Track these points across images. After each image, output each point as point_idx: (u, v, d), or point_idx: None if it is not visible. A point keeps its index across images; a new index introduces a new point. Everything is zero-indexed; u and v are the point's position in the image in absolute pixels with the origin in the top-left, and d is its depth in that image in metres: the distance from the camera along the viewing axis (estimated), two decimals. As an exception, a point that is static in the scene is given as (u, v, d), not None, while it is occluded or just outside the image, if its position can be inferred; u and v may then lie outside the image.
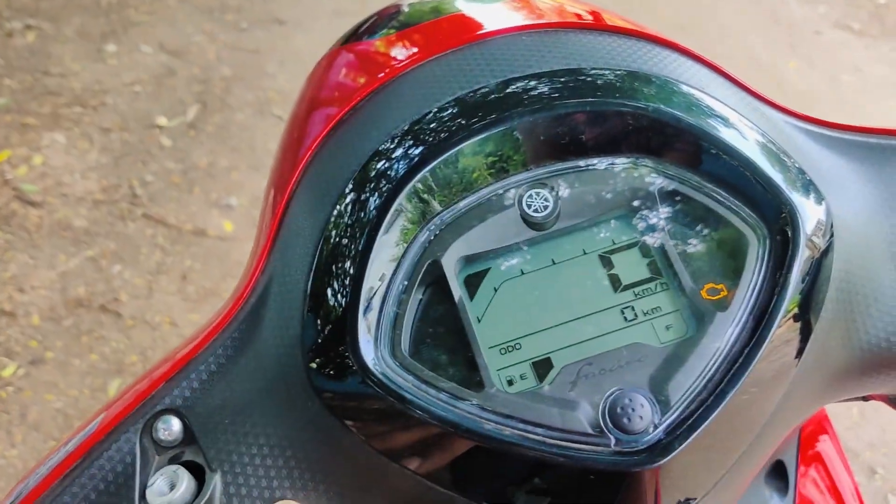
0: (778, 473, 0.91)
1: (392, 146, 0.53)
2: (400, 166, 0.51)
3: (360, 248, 0.50)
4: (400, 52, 0.63)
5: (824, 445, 0.96)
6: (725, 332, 0.48)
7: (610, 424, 0.45)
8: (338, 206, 0.53)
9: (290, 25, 3.29)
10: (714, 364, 0.47)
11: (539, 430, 0.46)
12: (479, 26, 0.61)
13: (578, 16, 0.64)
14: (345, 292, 0.49)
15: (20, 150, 2.63)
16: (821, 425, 0.98)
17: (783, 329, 0.48)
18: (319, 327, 0.50)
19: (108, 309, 2.27)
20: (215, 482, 0.48)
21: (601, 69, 0.55)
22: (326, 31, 3.22)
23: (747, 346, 0.47)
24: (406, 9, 0.72)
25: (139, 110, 2.84)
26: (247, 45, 3.15)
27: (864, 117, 3.23)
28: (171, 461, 0.50)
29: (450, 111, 0.54)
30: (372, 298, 0.49)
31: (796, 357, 0.50)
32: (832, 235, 0.52)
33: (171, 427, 0.50)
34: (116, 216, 2.51)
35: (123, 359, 2.17)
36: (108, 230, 2.47)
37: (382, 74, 0.59)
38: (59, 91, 2.85)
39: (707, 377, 0.47)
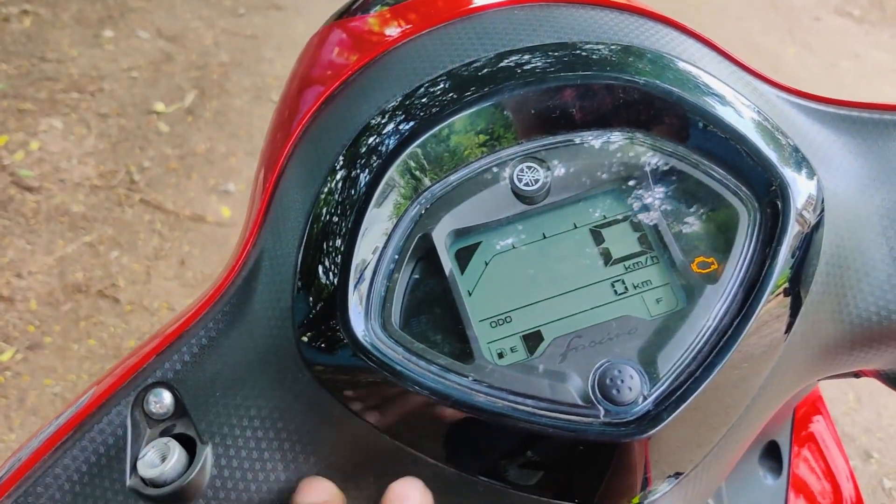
0: (772, 454, 0.91)
1: (382, 120, 0.53)
2: (390, 140, 0.51)
3: (350, 222, 0.50)
4: (391, 28, 0.63)
5: (818, 426, 0.96)
6: (715, 305, 0.48)
7: (599, 396, 0.46)
8: (328, 180, 0.53)
9: (288, 11, 3.28)
10: (703, 337, 0.47)
11: (529, 402, 0.46)
12: (470, 1, 0.61)
13: None
14: (335, 265, 0.49)
15: (17, 136, 2.63)
16: (814, 406, 0.98)
17: (773, 303, 0.48)
18: (310, 300, 0.50)
19: (106, 294, 2.27)
20: (206, 454, 0.48)
21: (593, 43, 0.55)
22: (324, 16, 3.18)
23: (736, 318, 0.47)
24: None
25: (136, 96, 2.83)
26: (244, 31, 3.14)
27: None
28: (163, 434, 0.50)
29: (440, 85, 0.54)
30: (363, 271, 0.49)
31: (785, 331, 0.50)
32: (823, 210, 0.52)
33: (163, 400, 0.50)
34: (114, 202, 2.51)
35: (121, 344, 2.17)
36: (106, 216, 2.47)
37: (373, 49, 0.59)
38: (57, 76, 2.85)
39: (696, 350, 0.47)
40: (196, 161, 2.66)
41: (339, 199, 0.51)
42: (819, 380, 0.60)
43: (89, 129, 2.70)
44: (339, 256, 0.49)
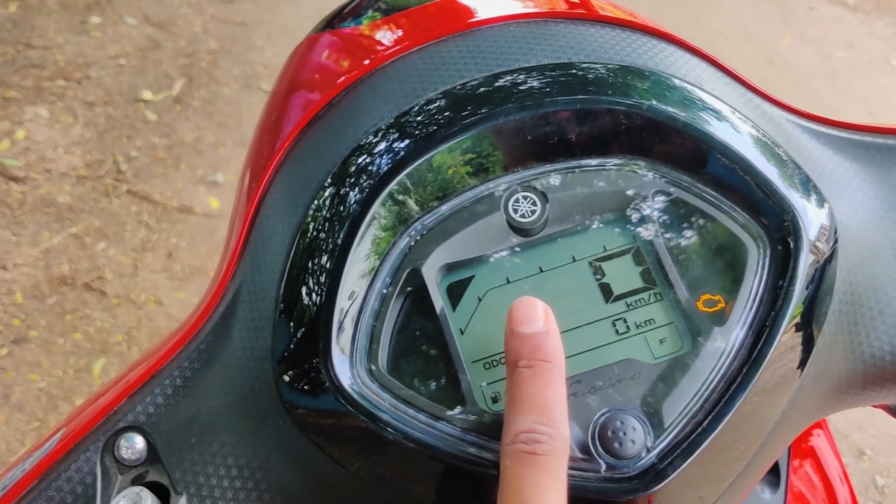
0: (770, 468, 0.89)
1: (369, 146, 0.50)
2: (377, 168, 0.49)
3: (334, 255, 0.47)
4: (382, 41, 0.60)
5: (818, 441, 0.95)
6: (723, 348, 0.45)
7: (600, 448, 0.43)
8: (311, 210, 0.50)
9: (278, -3, 3.23)
10: (711, 382, 0.45)
11: None
12: (465, 14, 0.58)
13: (569, 4, 0.60)
14: (318, 302, 0.46)
15: (2, 125, 2.58)
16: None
17: (784, 343, 0.46)
18: (291, 339, 0.47)
19: (93, 287, 2.24)
20: None
21: (592, 63, 0.53)
22: (315, 3, 3.17)
23: (746, 363, 0.45)
24: None
25: (124, 84, 2.79)
26: (234, 18, 3.10)
27: (856, 93, 3.20)
28: (135, 481, 0.47)
29: (431, 108, 0.51)
30: (347, 309, 0.46)
31: (797, 371, 0.48)
32: (836, 241, 0.49)
33: (135, 445, 0.47)
34: (101, 192, 2.47)
35: (108, 338, 2.14)
36: (93, 207, 2.43)
37: (366, 63, 0.56)
38: (42, 64, 2.80)
39: (703, 397, 0.44)
40: (184, 151, 2.62)
41: (323, 231, 0.48)
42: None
43: (76, 118, 2.66)
44: (323, 293, 0.46)
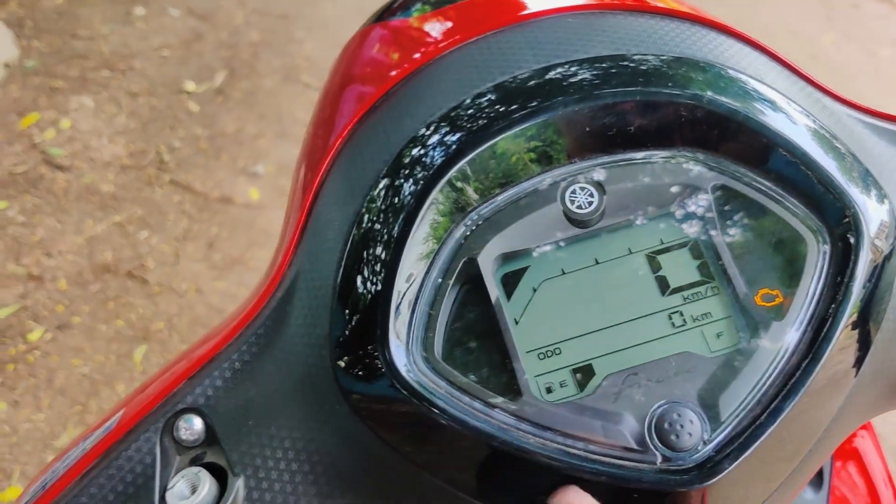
0: (813, 469, 0.89)
1: (427, 136, 0.50)
2: (434, 158, 0.49)
3: (392, 244, 0.47)
4: (436, 33, 0.60)
5: (863, 442, 0.94)
6: (780, 343, 0.45)
7: (656, 440, 0.43)
8: (368, 199, 0.50)
9: (319, -10, 3.25)
10: (768, 377, 0.44)
11: (579, 444, 0.43)
12: (521, 6, 0.57)
13: None
14: (375, 290, 0.47)
15: (48, 114, 2.63)
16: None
17: (842, 340, 0.45)
18: (348, 325, 0.47)
19: (135, 275, 2.27)
20: (238, 487, 0.46)
21: (652, 55, 0.52)
22: (356, -4, 3.18)
23: (804, 358, 0.44)
24: None
25: (167, 75, 2.82)
26: (275, 11, 3.12)
27: (903, 92, 3.15)
28: (193, 462, 0.48)
29: (489, 98, 0.51)
30: (404, 297, 0.46)
31: (855, 369, 0.47)
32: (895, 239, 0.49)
33: (193, 426, 0.48)
34: (144, 181, 2.50)
35: (149, 325, 2.17)
36: (136, 195, 2.46)
37: (418, 56, 0.56)
38: (87, 54, 2.84)
39: (760, 391, 0.44)
40: (225, 142, 2.65)
41: (380, 220, 0.48)
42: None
43: (120, 108, 2.69)
44: (380, 281, 0.47)
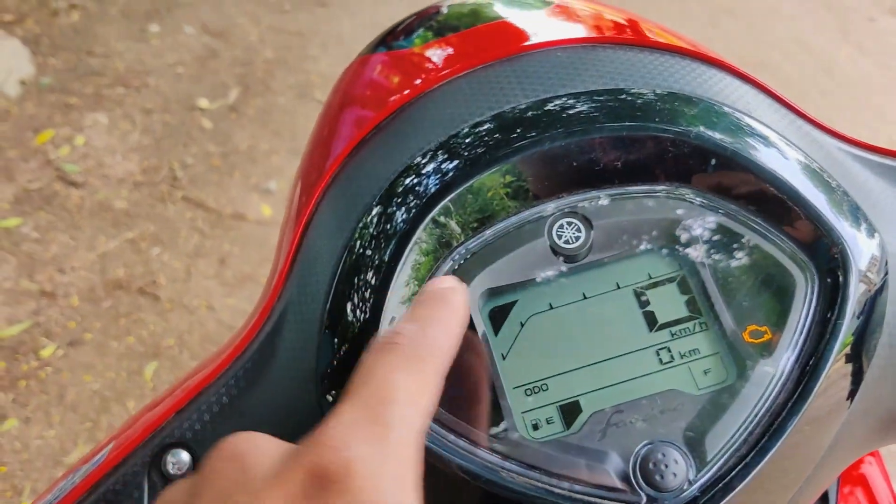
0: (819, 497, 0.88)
1: (415, 169, 0.50)
2: (422, 193, 0.49)
3: (380, 278, 0.47)
4: (430, 64, 0.60)
5: (870, 469, 0.93)
6: (768, 381, 0.45)
7: (641, 480, 0.43)
8: (356, 233, 0.50)
9: (333, 8, 3.27)
10: (755, 415, 0.44)
11: (564, 484, 0.43)
12: (513, 39, 0.58)
13: (617, 29, 0.60)
14: (363, 324, 0.47)
15: (63, 130, 2.65)
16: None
17: (832, 376, 0.45)
18: (335, 361, 0.47)
19: (147, 291, 2.28)
20: None
21: (640, 89, 0.52)
22: (370, 14, 3.20)
23: (792, 396, 0.44)
24: (445, 11, 0.69)
25: (181, 92, 2.84)
26: (290, 28, 3.14)
27: (919, 109, 3.13)
28: None
29: (478, 133, 0.51)
30: None
31: (845, 404, 0.47)
32: (887, 273, 0.48)
33: (181, 461, 0.48)
34: (157, 198, 2.52)
35: (160, 342, 2.17)
36: (148, 212, 2.48)
37: (409, 90, 0.56)
38: (103, 71, 2.86)
39: (747, 430, 0.44)
40: (238, 159, 2.66)
41: (367, 254, 0.48)
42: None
43: (134, 125, 2.71)
44: (367, 316, 0.47)
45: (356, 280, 0.48)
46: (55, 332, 2.17)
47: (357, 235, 0.50)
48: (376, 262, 0.48)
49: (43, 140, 2.61)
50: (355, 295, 0.48)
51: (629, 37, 0.57)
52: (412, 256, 0.47)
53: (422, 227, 0.47)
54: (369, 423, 0.33)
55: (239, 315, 2.25)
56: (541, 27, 0.59)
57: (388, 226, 0.48)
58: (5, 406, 2.01)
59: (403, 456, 0.33)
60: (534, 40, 0.56)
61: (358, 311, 0.47)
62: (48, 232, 2.39)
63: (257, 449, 0.34)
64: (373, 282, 0.47)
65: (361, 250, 0.49)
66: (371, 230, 0.49)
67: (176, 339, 2.19)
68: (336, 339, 0.48)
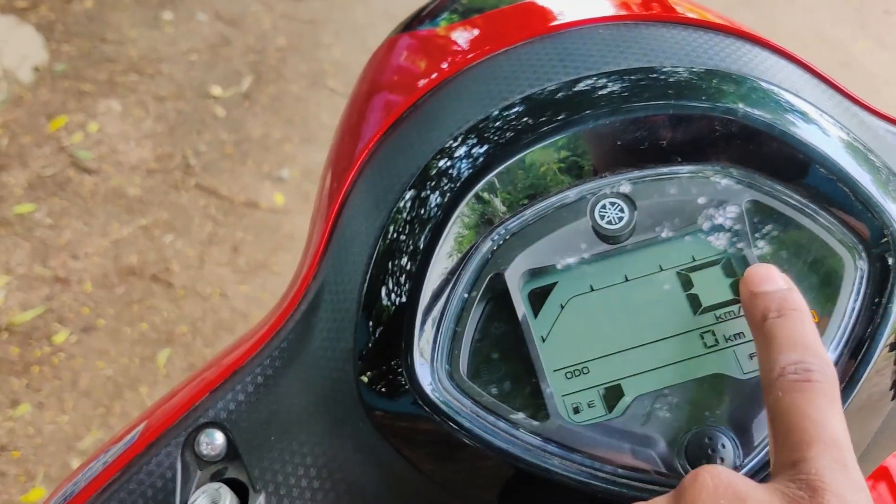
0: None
1: (454, 148, 0.50)
2: (461, 171, 0.48)
3: (418, 259, 0.46)
4: (464, 43, 0.59)
5: (892, 459, 0.92)
6: None
7: (687, 466, 0.42)
8: (395, 212, 0.49)
9: (346, -5, 3.26)
10: None
11: (607, 468, 0.42)
12: (550, 17, 0.57)
13: (658, 5, 0.59)
14: (400, 303, 0.46)
15: (77, 117, 2.65)
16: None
17: (879, 362, 0.44)
18: (372, 341, 0.47)
19: (160, 278, 2.28)
20: (259, 503, 0.46)
21: (684, 67, 0.51)
22: (383, 1, 3.18)
23: (841, 382, 0.43)
24: None
25: (194, 79, 2.83)
26: (303, 16, 3.13)
27: (936, 102, 3.11)
28: (214, 478, 0.47)
29: (517, 111, 0.50)
30: (429, 312, 0.45)
31: (891, 391, 0.46)
32: None
33: (215, 441, 0.48)
34: (170, 185, 2.51)
35: (173, 329, 2.17)
36: (162, 199, 2.47)
37: (445, 67, 0.55)
38: (116, 58, 2.86)
39: None
40: (251, 146, 2.66)
41: (406, 234, 0.48)
42: None
43: (147, 112, 2.71)
44: (405, 295, 0.46)
45: (394, 260, 0.47)
46: (68, 318, 2.17)
47: (395, 216, 0.49)
48: (415, 241, 0.47)
49: (56, 126, 2.60)
50: (393, 276, 0.47)
51: (669, 15, 0.56)
52: (454, 233, 0.46)
53: (462, 203, 0.47)
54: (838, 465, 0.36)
55: (252, 302, 2.25)
56: (576, 5, 0.58)
57: (428, 205, 0.48)
58: (19, 391, 2.01)
59: (863, 484, 0.36)
60: (571, 18, 0.55)
61: (396, 292, 0.46)
62: (61, 218, 2.39)
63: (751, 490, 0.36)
64: (411, 261, 0.47)
65: (399, 231, 0.48)
66: (409, 210, 0.48)
67: (189, 326, 2.19)
68: (373, 321, 0.47)
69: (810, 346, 0.39)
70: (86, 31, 2.94)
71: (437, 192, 0.48)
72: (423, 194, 0.48)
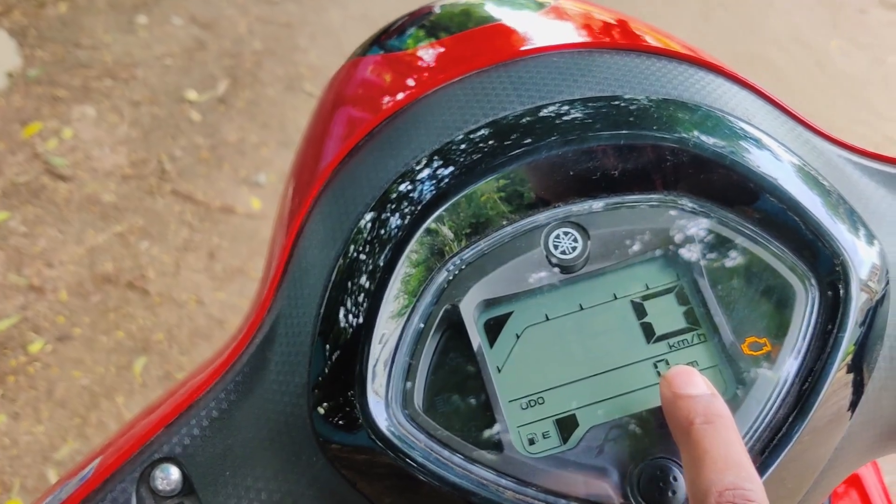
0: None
1: (408, 178, 0.50)
2: (416, 202, 0.48)
3: (372, 290, 0.47)
4: (423, 70, 0.59)
5: (864, 469, 0.93)
6: (769, 394, 0.44)
7: (640, 498, 0.42)
8: (349, 243, 0.50)
9: (322, -1, 3.25)
10: (756, 429, 0.44)
11: (561, 501, 0.43)
12: (508, 44, 0.57)
13: (612, 33, 0.59)
14: (354, 338, 0.46)
15: (51, 123, 2.63)
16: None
17: (832, 389, 0.44)
18: (326, 375, 0.47)
19: (136, 286, 2.27)
20: None
21: (636, 96, 0.51)
22: (359, 5, 3.17)
23: (792, 410, 0.44)
24: (437, 11, 0.68)
25: (169, 84, 2.82)
26: (279, 19, 3.11)
27: (909, 101, 3.13)
28: None
29: (471, 141, 0.50)
30: (383, 345, 0.45)
31: (846, 415, 0.46)
32: (888, 283, 0.48)
33: (170, 476, 0.47)
34: (145, 191, 2.50)
35: (149, 337, 2.16)
36: (137, 206, 2.46)
37: (402, 96, 0.55)
38: (90, 63, 2.84)
39: (748, 444, 0.43)
40: (227, 151, 2.64)
41: (359, 266, 0.48)
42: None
43: (122, 117, 2.69)
44: (360, 329, 0.46)
45: (348, 292, 0.48)
46: (43, 327, 2.15)
47: (349, 246, 0.49)
48: (369, 273, 0.47)
49: (30, 133, 2.58)
50: (347, 307, 0.47)
51: (625, 42, 0.56)
52: (406, 268, 0.46)
53: (414, 238, 0.47)
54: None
55: (228, 309, 2.24)
56: (535, 31, 0.58)
57: (382, 235, 0.48)
58: (-7, 402, 2.00)
59: None
60: (528, 45, 0.55)
61: (350, 325, 0.47)
62: (36, 226, 2.37)
63: None
64: (365, 293, 0.47)
65: (354, 261, 0.48)
66: (364, 240, 0.49)
67: (165, 333, 2.18)
68: (327, 353, 0.47)
69: (744, 465, 0.39)
70: (60, 36, 2.91)
71: (391, 224, 0.48)
72: (377, 225, 0.49)
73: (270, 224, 2.30)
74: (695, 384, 0.42)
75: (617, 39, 0.57)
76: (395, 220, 0.48)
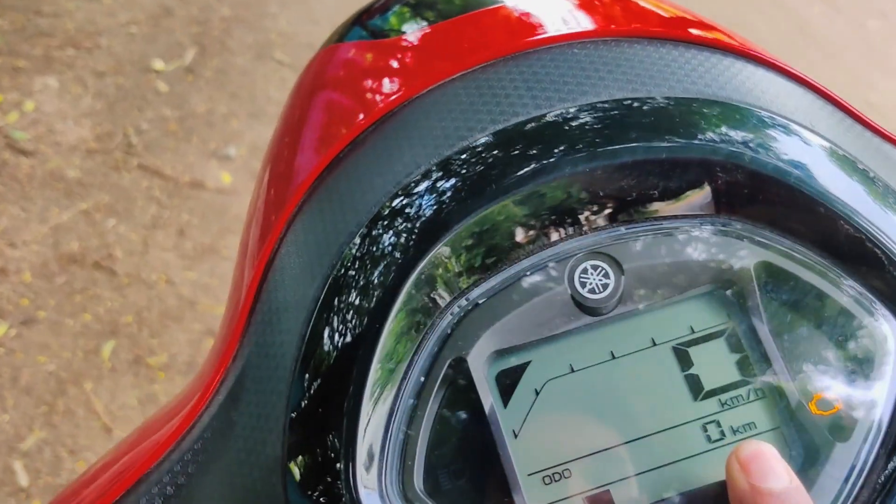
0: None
1: (402, 203, 0.42)
2: (412, 230, 0.40)
3: (361, 342, 0.39)
4: (416, 63, 0.50)
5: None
6: (842, 467, 0.37)
7: None
8: (331, 281, 0.41)
9: (292, -38, 3.14)
10: None
11: None
12: (519, 31, 0.48)
13: (645, 18, 0.50)
14: (339, 402, 0.39)
15: (11, 96, 2.52)
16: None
17: None
18: (306, 452, 0.39)
19: (102, 266, 2.19)
20: None
21: (678, 99, 0.43)
22: (331, -32, 3.07)
23: (876, 490, 0.36)
24: None
25: (134, 53, 2.72)
26: (247, -16, 3.01)
27: (891, 65, 3.09)
28: None
29: (479, 153, 0.42)
30: (375, 414, 0.38)
31: None
32: None
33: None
34: (111, 166, 2.41)
35: (118, 319, 2.10)
36: (102, 181, 2.38)
37: (392, 96, 0.46)
38: (52, 32, 2.73)
39: None
40: (196, 123, 2.56)
41: (347, 310, 0.40)
42: None
43: (86, 89, 2.59)
44: (345, 388, 0.39)
45: (331, 342, 0.40)
46: (7, 311, 2.08)
47: (331, 285, 0.41)
48: (357, 322, 0.39)
49: (-11, 106, 2.49)
50: (330, 366, 0.40)
51: (660, 29, 0.47)
52: (402, 316, 0.39)
53: (415, 272, 0.39)
54: None
55: (199, 289, 2.17)
56: (551, 16, 0.49)
57: (370, 272, 0.40)
58: (-44, 390, 1.93)
59: None
60: (543, 33, 0.47)
61: (336, 384, 0.39)
62: (-3, 204, 2.29)
63: None
64: (352, 348, 0.39)
65: (337, 305, 0.41)
66: (349, 277, 0.41)
67: (134, 315, 2.11)
68: (306, 424, 0.40)
69: None
70: (20, 4, 2.80)
71: (382, 257, 0.41)
72: (364, 259, 0.41)
73: (242, 200, 2.22)
74: (777, 475, 0.34)
75: (650, 26, 0.48)
76: (386, 255, 0.40)
